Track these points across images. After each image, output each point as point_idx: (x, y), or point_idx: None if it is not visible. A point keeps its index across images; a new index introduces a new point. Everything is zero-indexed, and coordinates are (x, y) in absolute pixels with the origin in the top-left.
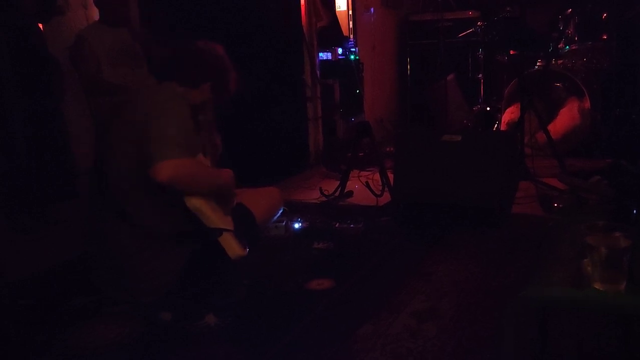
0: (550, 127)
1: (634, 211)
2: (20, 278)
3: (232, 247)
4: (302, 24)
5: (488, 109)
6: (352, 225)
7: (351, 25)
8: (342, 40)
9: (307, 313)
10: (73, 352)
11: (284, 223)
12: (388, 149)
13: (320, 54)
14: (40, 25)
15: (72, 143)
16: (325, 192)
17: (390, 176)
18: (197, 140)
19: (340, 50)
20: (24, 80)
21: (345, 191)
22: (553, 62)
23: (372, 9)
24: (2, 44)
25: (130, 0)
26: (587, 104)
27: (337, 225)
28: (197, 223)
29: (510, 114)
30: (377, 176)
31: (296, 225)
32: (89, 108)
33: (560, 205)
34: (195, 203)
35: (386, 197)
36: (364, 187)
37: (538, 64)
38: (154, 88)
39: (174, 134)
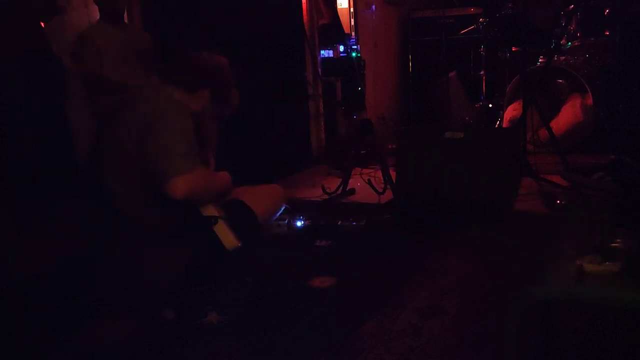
0: (552, 124)
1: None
2: (20, 278)
3: (228, 236)
4: (304, 21)
5: (490, 105)
6: (354, 223)
7: (352, 23)
8: (343, 38)
9: (309, 310)
10: (73, 352)
11: (286, 221)
12: (390, 146)
13: (322, 52)
14: (42, 24)
15: (74, 143)
16: (328, 190)
17: (393, 174)
18: (198, 149)
19: (341, 48)
20: (26, 79)
21: (348, 189)
22: (555, 58)
23: (373, 6)
24: (4, 43)
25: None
26: (590, 101)
27: (339, 223)
28: (194, 214)
29: (512, 111)
30: (379, 174)
31: (298, 223)
32: (92, 107)
33: (563, 202)
34: None
35: (388, 195)
36: (366, 185)
37: (540, 60)
38: (154, 89)
39: (183, 147)
